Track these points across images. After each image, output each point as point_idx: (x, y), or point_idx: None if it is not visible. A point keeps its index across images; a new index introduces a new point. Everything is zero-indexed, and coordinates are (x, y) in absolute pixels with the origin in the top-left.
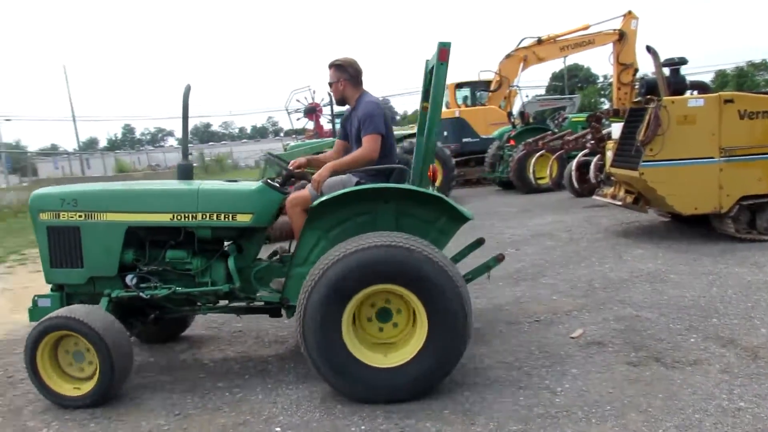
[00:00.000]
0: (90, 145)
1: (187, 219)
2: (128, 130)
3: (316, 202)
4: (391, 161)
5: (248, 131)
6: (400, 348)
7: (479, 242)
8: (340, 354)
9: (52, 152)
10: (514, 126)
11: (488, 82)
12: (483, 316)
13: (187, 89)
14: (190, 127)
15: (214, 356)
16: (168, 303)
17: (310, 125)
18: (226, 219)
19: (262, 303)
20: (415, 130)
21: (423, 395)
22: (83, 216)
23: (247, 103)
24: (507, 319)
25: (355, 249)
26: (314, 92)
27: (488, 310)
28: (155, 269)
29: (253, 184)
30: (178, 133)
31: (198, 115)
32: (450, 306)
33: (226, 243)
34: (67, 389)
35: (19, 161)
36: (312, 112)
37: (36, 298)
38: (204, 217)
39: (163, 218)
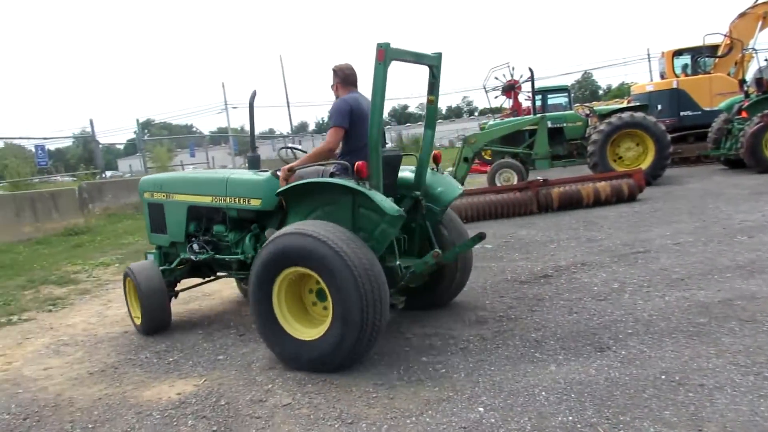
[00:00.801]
0: (301, 129)
1: (220, 201)
2: None
3: (276, 192)
4: (359, 155)
5: (443, 112)
6: (322, 324)
7: (480, 237)
8: (272, 325)
9: (269, 135)
10: (747, 95)
11: (714, 47)
12: (708, 311)
13: (253, 94)
14: (388, 108)
15: (415, 330)
16: (215, 266)
17: (508, 103)
18: (244, 203)
19: None
20: (622, 104)
21: (330, 370)
22: (165, 196)
23: (444, 84)
24: (740, 316)
25: (278, 235)
26: (513, 69)
27: (714, 303)
28: (207, 239)
29: (263, 175)
30: None
31: (395, 98)
32: (346, 286)
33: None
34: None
35: (244, 144)
36: (511, 89)
37: (146, 253)
38: (230, 200)
39: (206, 200)
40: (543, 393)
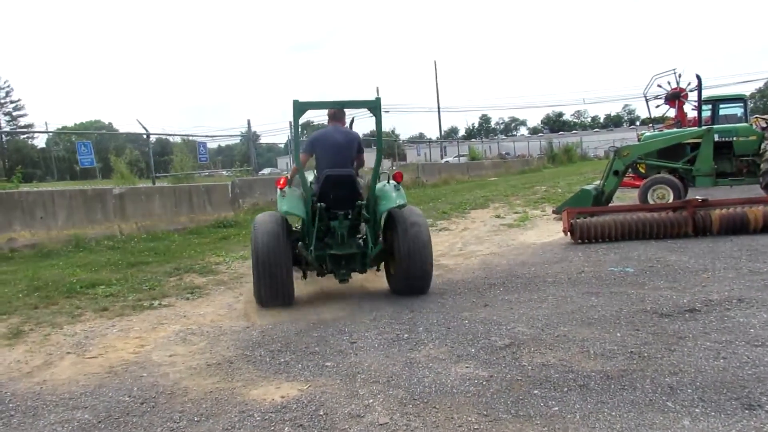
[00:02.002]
0: (450, 135)
1: None
2: (485, 119)
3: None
4: (319, 174)
5: (601, 120)
6: None
7: (380, 244)
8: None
9: (417, 140)
10: None
11: None
12: None
13: (351, 122)
14: (541, 116)
15: (533, 359)
16: None
17: (671, 113)
18: None
19: None
20: None
21: (258, 304)
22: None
23: (602, 91)
24: None
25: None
26: (680, 76)
27: None
28: None
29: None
30: (531, 122)
31: (549, 104)
32: (253, 249)
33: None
34: None
35: (391, 147)
36: (675, 98)
37: None
38: None
39: None
40: None
